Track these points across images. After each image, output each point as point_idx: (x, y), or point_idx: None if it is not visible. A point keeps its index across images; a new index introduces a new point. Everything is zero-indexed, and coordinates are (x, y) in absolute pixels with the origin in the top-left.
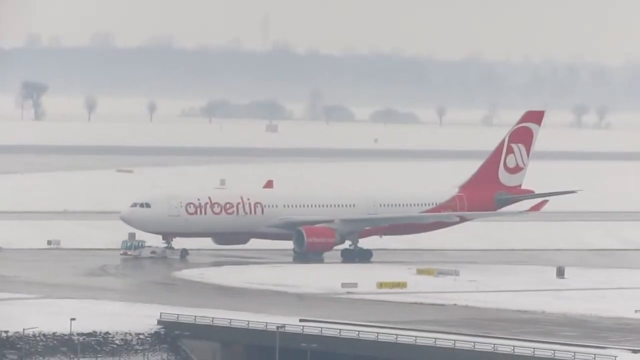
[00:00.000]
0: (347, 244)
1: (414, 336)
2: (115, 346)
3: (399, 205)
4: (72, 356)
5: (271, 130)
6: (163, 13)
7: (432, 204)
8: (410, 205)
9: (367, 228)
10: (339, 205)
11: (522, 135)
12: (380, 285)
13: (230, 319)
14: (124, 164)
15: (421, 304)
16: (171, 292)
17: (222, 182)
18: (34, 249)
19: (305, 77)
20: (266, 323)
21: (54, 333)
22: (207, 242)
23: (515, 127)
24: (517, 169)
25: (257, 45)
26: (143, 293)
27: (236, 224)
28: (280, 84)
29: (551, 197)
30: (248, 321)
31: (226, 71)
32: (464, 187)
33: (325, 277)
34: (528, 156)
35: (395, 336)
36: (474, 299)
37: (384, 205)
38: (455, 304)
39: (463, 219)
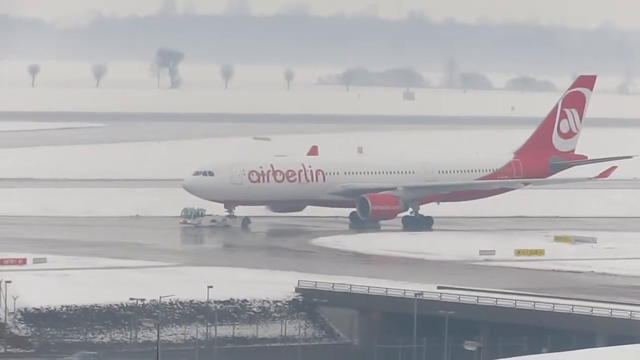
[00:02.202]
0: (408, 211)
1: (551, 303)
2: (252, 314)
3: (457, 171)
4: (209, 324)
5: (408, 98)
6: None
7: (489, 170)
8: (468, 171)
9: (429, 195)
10: (399, 172)
11: (575, 100)
12: (518, 252)
13: (368, 286)
14: (261, 131)
15: (559, 271)
16: (308, 260)
17: (360, 149)
18: (171, 217)
19: (441, 45)
20: (404, 290)
21: (190, 301)
22: (261, 210)
23: (568, 92)
24: (570, 134)
25: (393, 13)
26: (280, 260)
27: (298, 191)
28: (417, 52)
29: (608, 162)
30: (386, 288)
31: (363, 39)
32: (519, 153)
33: (463, 244)
34: (581, 121)
35: (532, 303)
36: (610, 266)
37: (442, 171)
38: (592, 271)
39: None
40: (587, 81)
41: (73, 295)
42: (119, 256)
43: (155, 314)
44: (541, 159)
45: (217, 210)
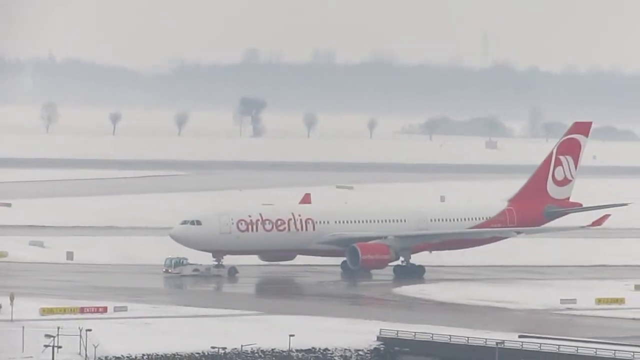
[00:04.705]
0: (399, 260)
1: (631, 352)
2: None
3: (449, 220)
4: None
5: (490, 147)
6: (383, 30)
7: (482, 219)
8: (460, 220)
9: (420, 244)
10: (390, 221)
11: (570, 147)
12: (599, 301)
13: (449, 335)
14: (344, 180)
15: (639, 319)
16: (390, 308)
17: (442, 198)
18: (255, 265)
19: (525, 94)
20: (485, 339)
21: (272, 349)
22: (253, 259)
23: (563, 139)
24: (565, 182)
25: (477, 62)
26: (361, 309)
27: (287, 240)
28: (501, 101)
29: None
30: (467, 337)
31: (447, 88)
32: (513, 201)
33: (544, 293)
34: (576, 168)
35: (613, 352)
36: None
37: (434, 220)
38: None
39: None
40: (583, 128)
41: (154, 343)
42: (199, 304)
43: None
44: (536, 206)
45: (202, 259)
